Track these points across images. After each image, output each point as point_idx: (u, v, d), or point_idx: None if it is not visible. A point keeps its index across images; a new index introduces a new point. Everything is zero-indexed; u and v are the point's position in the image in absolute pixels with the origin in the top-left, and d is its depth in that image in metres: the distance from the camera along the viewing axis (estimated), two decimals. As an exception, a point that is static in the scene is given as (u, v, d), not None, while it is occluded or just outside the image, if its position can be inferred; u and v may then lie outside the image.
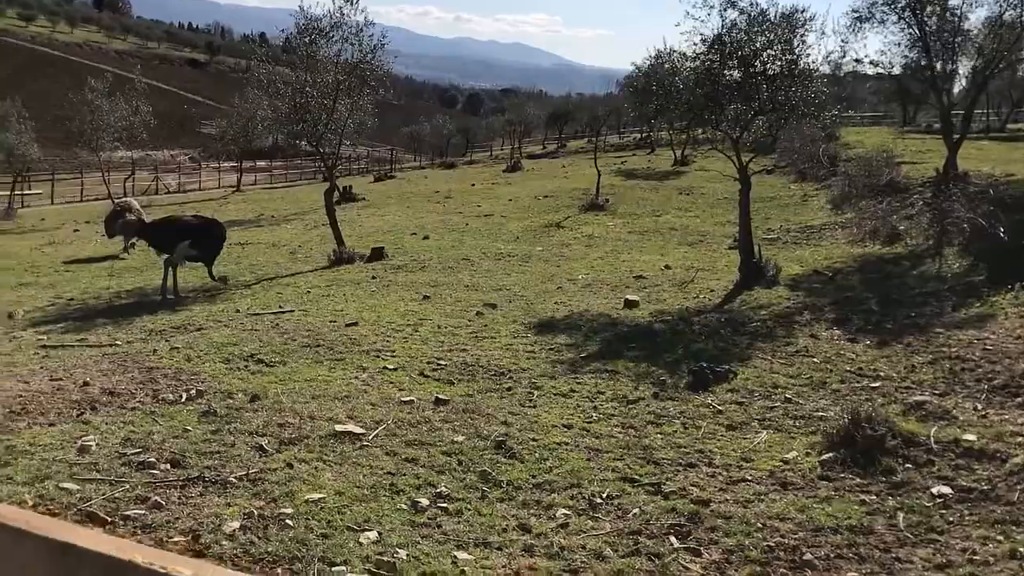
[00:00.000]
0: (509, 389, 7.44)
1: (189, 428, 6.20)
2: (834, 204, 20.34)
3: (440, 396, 7.05)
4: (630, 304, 11.00)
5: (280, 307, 10.92)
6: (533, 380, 7.70)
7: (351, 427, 6.24)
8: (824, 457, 5.58)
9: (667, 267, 13.98)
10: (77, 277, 14.23)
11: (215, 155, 57.61)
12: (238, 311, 10.75)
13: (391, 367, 8.04)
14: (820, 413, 6.62)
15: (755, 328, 9.64)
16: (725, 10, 12.28)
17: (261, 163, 54.11)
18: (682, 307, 10.93)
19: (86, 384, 7.37)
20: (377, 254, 15.02)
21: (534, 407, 6.94)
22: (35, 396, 7.01)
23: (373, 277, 13.36)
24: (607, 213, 21.21)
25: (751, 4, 12.14)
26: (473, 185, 30.93)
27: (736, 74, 12.03)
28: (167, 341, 9.18)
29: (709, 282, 12.53)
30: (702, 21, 12.34)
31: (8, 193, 30.34)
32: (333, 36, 14.08)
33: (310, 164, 57.44)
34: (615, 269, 14.05)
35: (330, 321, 9.97)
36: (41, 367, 8.05)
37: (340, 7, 13.99)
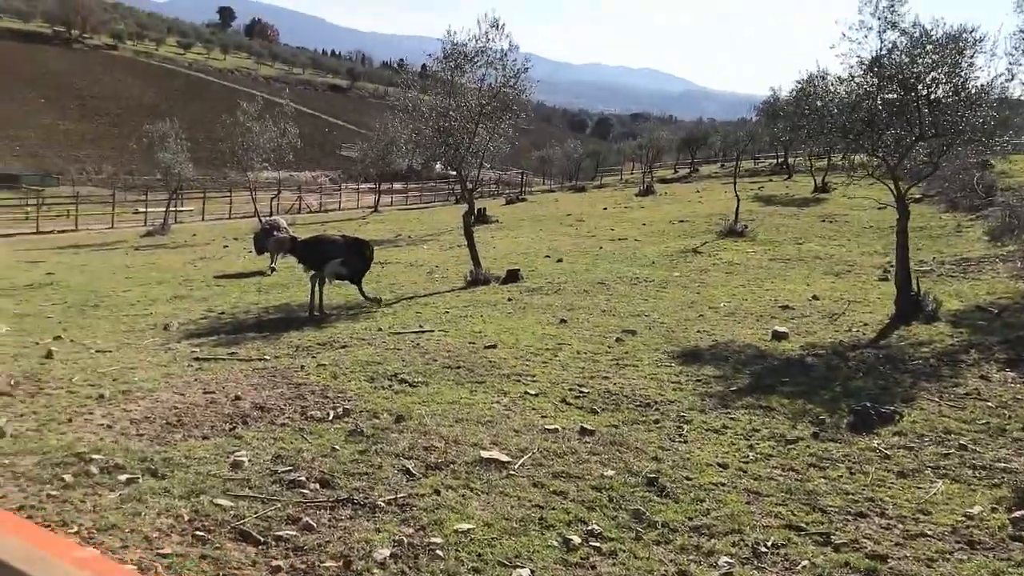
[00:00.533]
0: (656, 422, 7.16)
1: (337, 447, 6.19)
2: (992, 236, 19.01)
3: (585, 426, 6.83)
4: (779, 336, 10.52)
5: (420, 327, 10.94)
6: (681, 413, 7.38)
7: (496, 454, 6.09)
8: (1016, 515, 5.07)
9: (815, 298, 13.36)
10: (227, 292, 14.72)
11: (353, 176, 59.46)
12: (380, 329, 10.83)
13: (532, 392, 7.88)
14: (1003, 464, 6.06)
15: (917, 367, 9.02)
16: (884, 31, 11.72)
17: (397, 185, 55.42)
18: (835, 341, 10.37)
19: (238, 398, 7.49)
20: (512, 276, 14.97)
21: (685, 442, 6.63)
22: (190, 408, 7.17)
23: (509, 299, 13.28)
24: (746, 240, 20.58)
25: (913, 25, 11.52)
26: (605, 209, 30.70)
27: (895, 97, 11.38)
28: (313, 357, 9.30)
29: (861, 315, 11.89)
30: (859, 43, 11.81)
31: (164, 209, 31.98)
32: (478, 61, 14.16)
33: (444, 186, 58.61)
34: (759, 298, 13.53)
35: (469, 343, 9.91)
36: (195, 379, 8.26)
37: (486, 32, 14.07)
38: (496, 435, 6.58)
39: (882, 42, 11.67)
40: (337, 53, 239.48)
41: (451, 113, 14.33)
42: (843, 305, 12.55)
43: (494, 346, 9.69)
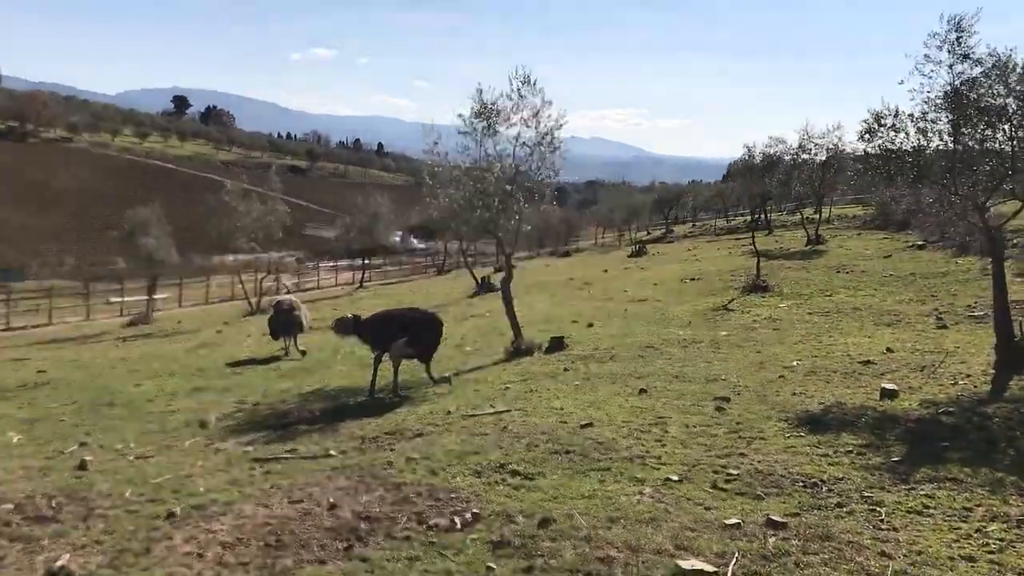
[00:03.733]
0: (841, 506, 6.07)
1: (493, 566, 5.02)
2: (1028, 276, 18.47)
3: (772, 517, 5.71)
4: (888, 394, 9.52)
5: (492, 407, 9.79)
6: (862, 493, 6.31)
7: (696, 563, 4.97)
8: None
9: (889, 350, 12.45)
10: (249, 380, 13.46)
11: (320, 255, 58.40)
12: (448, 412, 9.65)
13: (674, 478, 6.76)
14: None
15: (1075, 420, 8.05)
16: (952, 65, 11.06)
17: (375, 260, 54.30)
18: (950, 396, 9.40)
19: (334, 507, 6.30)
20: (557, 344, 13.91)
21: (895, 530, 5.56)
22: (284, 524, 5.97)
23: (566, 369, 12.20)
24: (773, 295, 19.73)
25: (989, 54, 10.86)
26: (606, 271, 29.85)
27: (981, 131, 10.64)
28: (391, 450, 8.12)
29: (956, 366, 10.96)
30: (929, 77, 11.12)
31: (146, 298, 30.51)
32: (512, 119, 13.30)
33: (419, 260, 57.69)
34: (828, 354, 12.57)
35: (560, 422, 8.78)
36: (271, 486, 7.03)
37: (518, 88, 13.23)
38: (675, 537, 5.45)
39: (953, 75, 11.01)
40: (293, 136, 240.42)
41: (487, 176, 13.40)
42: (931, 357, 11.63)
43: (590, 424, 8.57)
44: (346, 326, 11.62)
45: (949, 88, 11.00)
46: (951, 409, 8.74)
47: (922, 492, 6.25)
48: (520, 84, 13.32)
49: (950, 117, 11.02)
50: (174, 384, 13.33)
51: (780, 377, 11.11)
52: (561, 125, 13.49)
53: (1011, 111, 10.41)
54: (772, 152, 47.07)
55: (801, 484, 6.57)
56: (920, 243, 28.06)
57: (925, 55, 11.22)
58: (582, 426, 8.52)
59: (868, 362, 11.71)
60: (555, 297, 22.59)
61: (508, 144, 13.65)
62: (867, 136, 11.86)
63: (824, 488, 6.46)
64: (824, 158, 33.75)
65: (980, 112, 10.55)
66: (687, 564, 4.93)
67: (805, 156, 34.13)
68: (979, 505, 5.93)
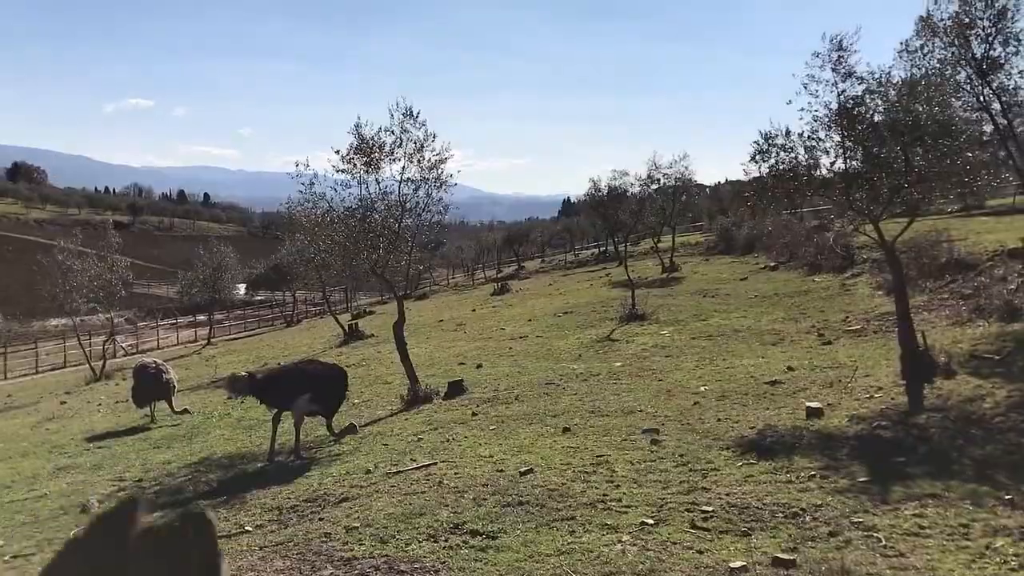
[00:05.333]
0: (834, 535, 5.77)
1: (503, 646, 4.35)
2: (888, 290, 19.21)
3: (780, 556, 5.31)
4: (814, 413, 9.46)
5: (413, 460, 9.05)
6: (850, 519, 6.03)
7: (729, 617, 4.46)
8: None
9: (790, 368, 12.53)
10: (121, 453, 12.09)
11: (153, 312, 55.24)
12: (368, 472, 8.83)
13: (649, 521, 6.29)
14: None
15: (1003, 424, 8.15)
16: (836, 84, 11.31)
17: (217, 315, 51.68)
18: (872, 410, 9.42)
19: (284, 594, 5.44)
20: (456, 388, 13.26)
21: (903, 555, 5.29)
22: (232, 621, 5.06)
23: (474, 414, 11.57)
24: (652, 322, 19.78)
25: (870, 72, 11.17)
26: (474, 310, 29.36)
27: (872, 146, 10.86)
28: (318, 519, 7.26)
29: (862, 380, 11.09)
30: (815, 96, 11.32)
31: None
32: (396, 154, 12.63)
33: (265, 312, 55.45)
34: (731, 377, 12.53)
35: (496, 471, 8.17)
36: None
37: (400, 122, 12.61)
38: (685, 589, 4.94)
39: (838, 93, 11.26)
40: (112, 190, 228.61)
41: (372, 215, 12.67)
42: (833, 373, 11.76)
43: (530, 471, 8.01)
44: (240, 385, 10.51)
45: (835, 106, 11.23)
46: (883, 423, 8.71)
47: (908, 512, 6.03)
48: (402, 117, 12.73)
49: (838, 135, 11.25)
50: (31, 465, 11.78)
51: (695, 404, 10.91)
52: (446, 159, 12.96)
53: (900, 126, 10.65)
54: (617, 185, 48.43)
55: (782, 515, 6.23)
56: (772, 264, 29.15)
57: (808, 75, 11.46)
58: (522, 473, 7.94)
59: (775, 382, 11.71)
60: (432, 340, 21.87)
61: (392, 181, 12.97)
62: (758, 157, 11.98)
63: (807, 517, 6.14)
64: (673, 187, 34.67)
65: (871, 128, 10.78)
66: (721, 620, 4.43)
67: (655, 186, 34.91)
68: (974, 520, 5.75)
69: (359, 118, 12.55)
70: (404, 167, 12.75)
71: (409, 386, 13.28)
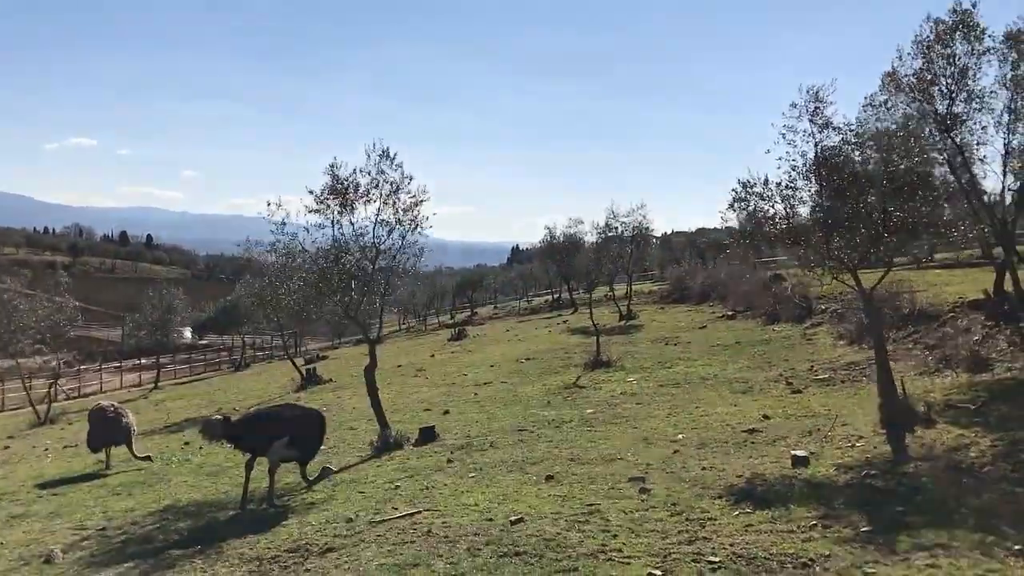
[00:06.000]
0: (852, 587, 5.62)
1: None
2: (850, 339, 19.40)
3: (804, 609, 5.15)
4: (801, 461, 9.37)
5: (395, 509, 8.75)
6: (863, 570, 5.94)
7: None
8: None
9: (766, 417, 12.49)
10: (77, 501, 11.51)
11: (92, 356, 53.78)
12: (350, 520, 8.50)
13: (657, 573, 6.13)
14: None
15: (994, 473, 8.14)
16: (813, 134, 11.46)
17: (163, 359, 50.39)
18: (856, 459, 9.37)
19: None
20: (428, 435, 12.98)
21: (926, 608, 5.13)
22: None
23: (449, 461, 11.30)
24: (617, 369, 19.69)
25: (846, 124, 11.36)
26: (432, 356, 29.03)
27: (850, 196, 10.97)
28: (304, 572, 6.92)
29: (841, 428, 11.06)
30: (793, 145, 11.46)
31: None
32: (372, 195, 12.42)
33: (207, 356, 54.27)
34: (706, 425, 12.44)
35: (485, 520, 7.93)
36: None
37: (376, 162, 12.43)
38: (713, 643, 4.75)
39: (816, 143, 11.40)
40: (52, 230, 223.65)
41: (346, 256, 12.42)
42: (809, 422, 11.73)
43: (520, 520, 7.78)
44: (214, 428, 10.06)
45: (813, 156, 11.37)
46: (872, 472, 8.65)
47: (920, 563, 5.94)
48: (378, 158, 12.56)
49: (816, 184, 11.37)
50: (-20, 513, 11.16)
51: (675, 452, 10.78)
52: (422, 201, 12.80)
53: (879, 177, 10.78)
54: (573, 232, 48.63)
55: (791, 566, 6.10)
56: (730, 313, 29.34)
57: (784, 125, 11.61)
58: (512, 522, 7.72)
59: (753, 430, 11.64)
60: (393, 385, 21.48)
61: (366, 222, 12.74)
62: (736, 205, 12.05)
63: (818, 568, 6.02)
64: (631, 236, 34.88)
65: (850, 178, 10.89)
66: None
67: (612, 234, 35.08)
68: (989, 572, 5.67)
69: (335, 159, 12.38)
70: (379, 208, 12.54)
71: (379, 432, 12.93)
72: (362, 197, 12.48)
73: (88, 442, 14.26)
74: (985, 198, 15.22)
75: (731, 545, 6.64)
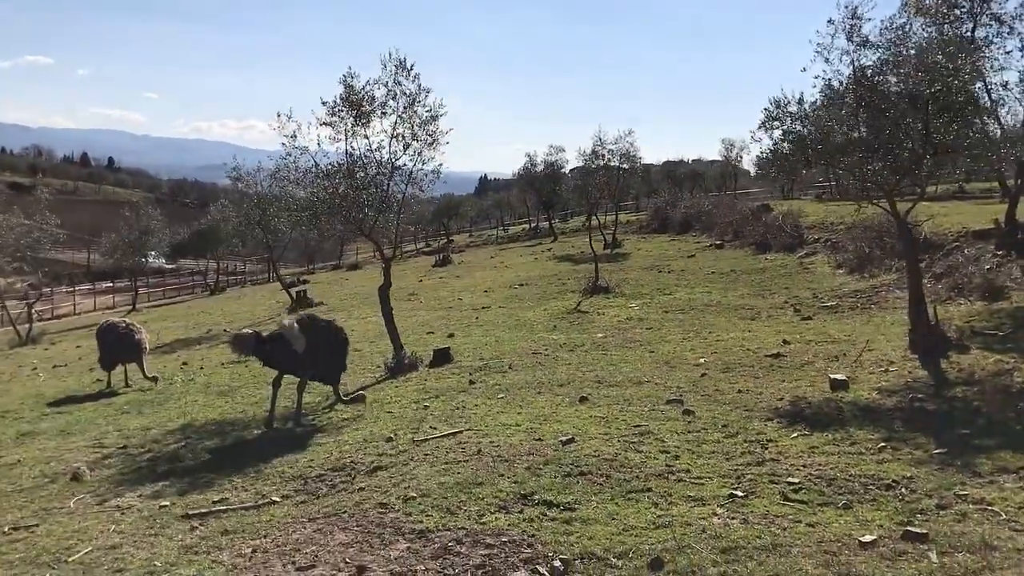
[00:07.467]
0: (943, 507, 5.51)
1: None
2: (850, 269, 19.28)
3: (911, 529, 4.98)
4: (840, 385, 9.21)
5: (433, 428, 8.48)
6: (951, 491, 5.76)
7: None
8: None
9: (786, 342, 12.34)
10: (87, 419, 11.14)
11: (58, 278, 52.70)
12: (389, 439, 8.22)
13: (739, 494, 5.89)
14: None
15: (1045, 397, 8.03)
16: (849, 52, 11.08)
17: (123, 282, 49.38)
18: (894, 383, 9.23)
19: (363, 570, 4.87)
20: (443, 356, 12.67)
21: (1029, 530, 4.99)
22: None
23: (471, 383, 11.03)
24: (617, 295, 19.48)
25: (889, 40, 10.97)
26: (420, 281, 28.63)
27: (892, 113, 10.61)
28: (357, 489, 6.66)
29: (869, 354, 10.93)
30: (827, 61, 11.08)
31: None
32: (387, 110, 11.87)
33: (181, 280, 53.49)
34: (726, 350, 12.27)
35: (534, 440, 7.68)
36: (252, 552, 5.41)
37: (393, 74, 11.85)
38: (827, 565, 4.56)
39: (854, 61, 11.03)
40: (10, 151, 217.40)
41: (363, 171, 11.93)
42: (830, 347, 11.61)
43: (571, 440, 7.53)
44: (246, 343, 9.65)
45: (849, 74, 11.01)
46: (919, 396, 8.52)
47: (1011, 486, 5.78)
48: (395, 69, 11.97)
49: (854, 104, 11.01)
50: (-14, 432, 10.74)
51: (703, 376, 10.60)
52: (439, 115, 12.27)
53: (922, 96, 10.42)
54: (554, 161, 47.96)
55: (875, 487, 5.93)
56: (718, 243, 29.19)
57: (819, 43, 11.20)
58: (563, 443, 7.46)
59: (777, 355, 11.49)
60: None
61: (381, 136, 12.20)
62: (768, 125, 11.68)
63: (903, 489, 5.85)
64: (618, 163, 34.32)
65: (891, 97, 10.54)
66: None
67: (599, 162, 34.51)
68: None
69: (349, 68, 11.77)
70: (396, 123, 12.00)
71: (394, 353, 12.61)
72: (378, 109, 11.92)
73: (100, 361, 13.82)
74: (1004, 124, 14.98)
75: (804, 466, 6.46)
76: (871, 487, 5.92)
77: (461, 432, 8.17)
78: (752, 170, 59.97)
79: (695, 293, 19.16)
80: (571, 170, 44.41)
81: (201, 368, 14.77)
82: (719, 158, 62.24)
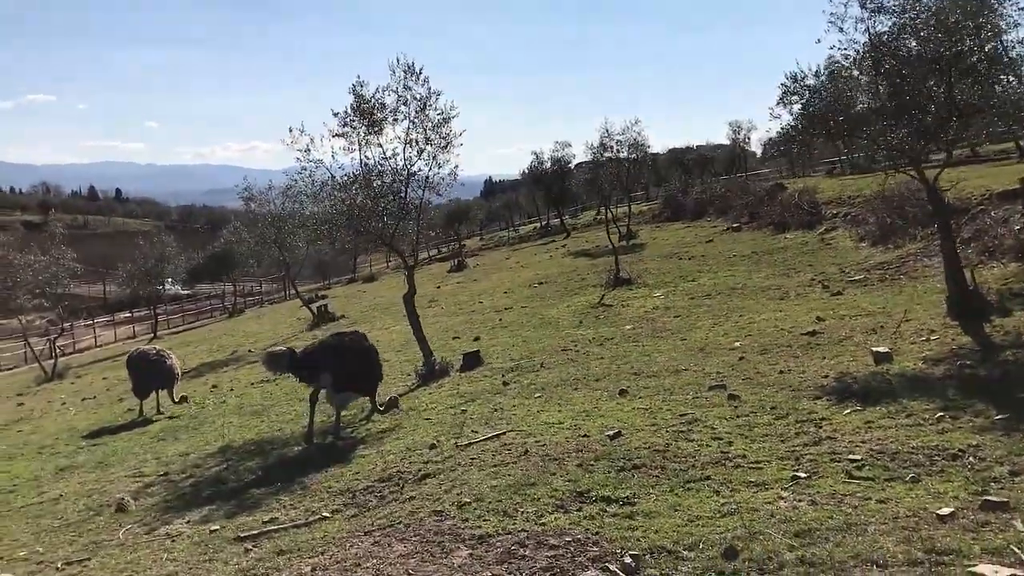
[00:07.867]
0: (1017, 474, 5.31)
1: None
2: (873, 240, 19.02)
3: (990, 498, 4.81)
4: (884, 357, 9.03)
5: (474, 432, 8.36)
6: (1021, 453, 5.57)
7: (993, 568, 3.93)
8: None
9: (820, 319, 12.16)
10: (123, 449, 11.10)
11: (76, 312, 52.92)
12: (433, 446, 8.10)
13: (802, 475, 5.74)
14: None
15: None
16: (865, 19, 10.88)
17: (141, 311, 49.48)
18: (938, 352, 9.05)
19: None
20: (473, 360, 12.56)
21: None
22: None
23: (505, 384, 10.91)
24: (640, 286, 19.32)
25: (902, 6, 10.76)
26: (438, 287, 28.54)
27: (913, 78, 10.41)
28: (408, 499, 6.54)
29: (907, 324, 10.75)
30: (841, 30, 10.88)
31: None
32: (399, 116, 11.77)
33: (205, 304, 53.59)
34: (760, 331, 12.11)
35: (580, 436, 7.54)
36: (311, 568, 5.30)
37: (402, 79, 11.75)
38: (908, 540, 4.41)
39: (869, 28, 10.83)
40: (19, 190, 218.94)
41: (375, 181, 11.82)
42: (865, 320, 11.44)
43: (618, 434, 7.39)
44: (280, 361, 9.56)
45: (865, 41, 10.81)
46: (968, 363, 8.34)
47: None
48: (403, 74, 11.88)
49: (872, 71, 10.83)
50: (26, 468, 10.71)
51: (740, 359, 10.45)
52: (451, 118, 12.16)
53: (943, 59, 10.22)
54: (561, 156, 47.77)
55: (940, 458, 5.76)
56: (735, 226, 28.96)
57: (832, 13, 11.00)
58: (611, 437, 7.32)
59: (813, 333, 11.33)
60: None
61: (395, 143, 12.10)
62: (786, 100, 11.49)
63: (970, 458, 5.68)
64: (627, 154, 34.06)
65: (913, 60, 10.35)
66: (988, 570, 3.89)
67: (608, 154, 34.26)
68: None
69: (358, 77, 11.68)
70: (408, 128, 11.89)
71: (424, 359, 12.50)
72: (390, 116, 11.82)
73: (133, 390, 13.79)
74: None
75: (863, 442, 6.30)
76: (936, 458, 5.75)
77: (504, 434, 8.04)
78: (758, 151, 59.72)
79: (719, 277, 18.97)
80: (578, 164, 44.19)
81: (231, 389, 14.72)
82: (727, 141, 61.94)
